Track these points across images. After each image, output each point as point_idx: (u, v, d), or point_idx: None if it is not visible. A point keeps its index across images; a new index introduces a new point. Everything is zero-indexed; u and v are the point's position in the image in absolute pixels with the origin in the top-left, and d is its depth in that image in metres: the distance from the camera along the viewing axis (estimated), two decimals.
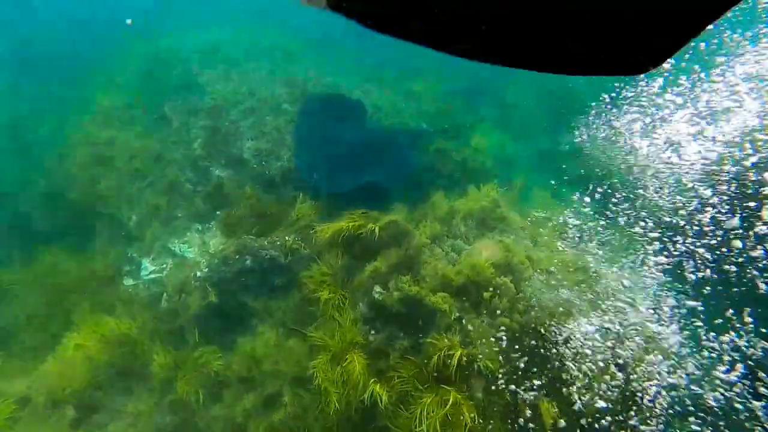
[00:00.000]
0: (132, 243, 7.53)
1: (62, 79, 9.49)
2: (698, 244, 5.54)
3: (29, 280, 7.44)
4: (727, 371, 4.88)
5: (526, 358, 4.84)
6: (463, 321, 5.00)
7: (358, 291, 5.63)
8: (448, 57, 1.07)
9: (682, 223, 5.70)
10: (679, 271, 5.66)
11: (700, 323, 5.26)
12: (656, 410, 4.75)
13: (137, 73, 9.00)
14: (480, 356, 4.72)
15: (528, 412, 4.59)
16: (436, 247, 5.93)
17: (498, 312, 5.06)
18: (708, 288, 5.40)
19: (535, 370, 4.76)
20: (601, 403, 4.68)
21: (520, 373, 4.76)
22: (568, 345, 4.82)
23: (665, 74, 6.60)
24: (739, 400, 4.76)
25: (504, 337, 4.90)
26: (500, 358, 4.82)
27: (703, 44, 6.29)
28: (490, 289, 5.23)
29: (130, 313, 6.67)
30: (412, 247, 5.67)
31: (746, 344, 4.93)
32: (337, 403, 5.07)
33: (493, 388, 4.69)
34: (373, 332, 5.49)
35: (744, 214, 5.24)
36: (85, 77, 9.19)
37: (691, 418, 4.82)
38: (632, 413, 4.73)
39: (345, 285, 5.79)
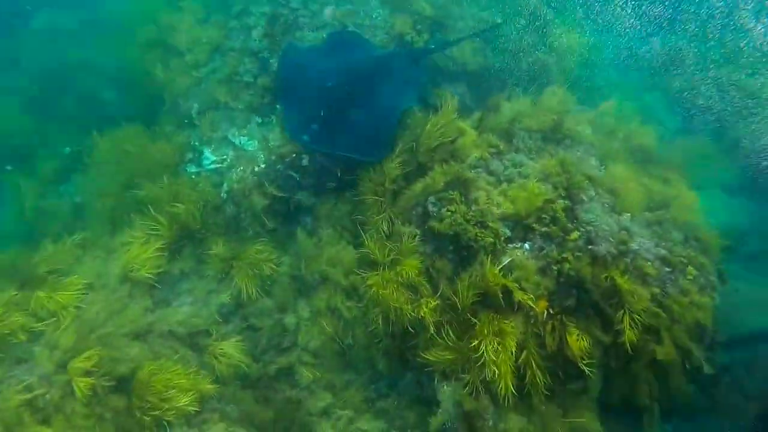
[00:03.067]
0: (194, 131, 7.60)
1: None
2: None
3: (100, 157, 7.76)
4: None
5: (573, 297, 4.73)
6: (508, 253, 4.84)
7: (408, 206, 5.53)
8: None
9: None
10: None
11: None
12: None
13: None
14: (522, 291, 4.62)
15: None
16: (495, 161, 5.65)
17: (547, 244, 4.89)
18: None
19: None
20: None
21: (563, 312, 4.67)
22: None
23: None
24: None
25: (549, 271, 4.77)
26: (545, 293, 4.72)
27: None
28: (543, 217, 5.01)
29: (192, 201, 6.85)
30: (465, 165, 5.45)
31: None
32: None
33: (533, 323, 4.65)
34: (424, 247, 5.40)
35: None
36: None
37: None
38: None
39: (396, 199, 5.72)
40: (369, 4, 7.35)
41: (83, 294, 5.80)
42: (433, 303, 4.90)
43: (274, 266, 6.28)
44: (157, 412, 5.02)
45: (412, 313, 4.92)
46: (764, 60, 7.83)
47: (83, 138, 8.47)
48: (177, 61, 7.80)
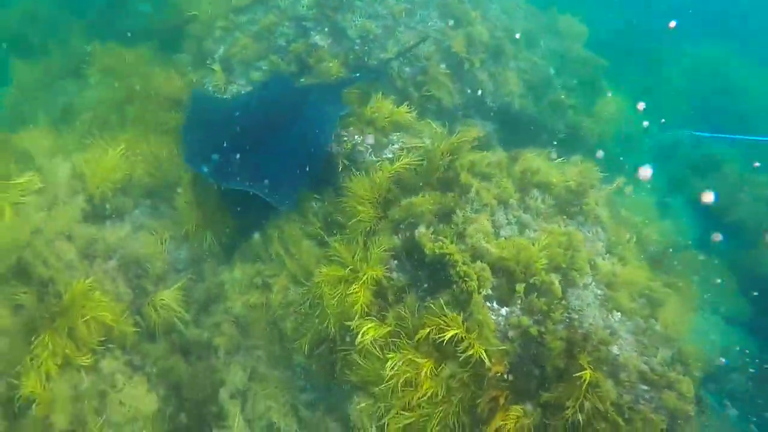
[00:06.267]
0: (211, 75, 7.22)
1: None
2: None
3: (109, 67, 7.39)
4: None
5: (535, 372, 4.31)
6: (479, 305, 4.41)
7: (393, 222, 5.12)
8: None
9: None
10: None
11: None
12: None
13: None
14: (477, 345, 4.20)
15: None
16: (500, 212, 5.25)
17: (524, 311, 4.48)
18: None
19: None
20: None
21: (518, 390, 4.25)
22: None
23: None
24: None
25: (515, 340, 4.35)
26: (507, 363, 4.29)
27: None
28: (531, 281, 4.60)
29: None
30: (472, 200, 5.05)
31: None
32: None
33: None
34: (397, 272, 5.02)
35: None
36: None
37: None
38: None
39: (386, 209, 5.29)
40: (428, 8, 6.96)
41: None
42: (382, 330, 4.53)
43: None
44: None
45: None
46: None
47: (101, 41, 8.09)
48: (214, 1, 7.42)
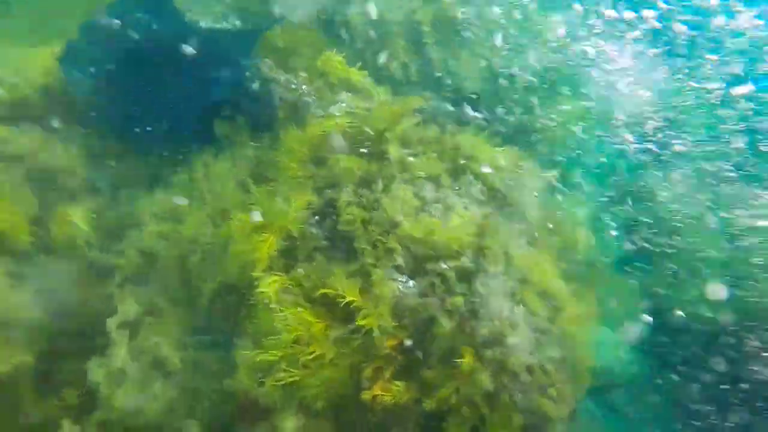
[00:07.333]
0: None
1: None
2: None
3: None
4: None
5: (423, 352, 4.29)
6: (380, 280, 4.35)
7: (319, 180, 5.01)
8: None
9: None
10: None
11: None
12: None
13: None
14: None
15: None
16: (427, 189, 5.15)
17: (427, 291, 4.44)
18: None
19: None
20: None
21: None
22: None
23: None
24: None
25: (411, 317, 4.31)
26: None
27: None
28: (441, 264, 4.54)
29: None
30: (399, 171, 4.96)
31: None
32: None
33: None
34: (316, 229, 4.93)
35: None
36: None
37: None
38: None
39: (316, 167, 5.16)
40: None
41: None
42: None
43: None
44: None
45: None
46: None
47: None
48: None
